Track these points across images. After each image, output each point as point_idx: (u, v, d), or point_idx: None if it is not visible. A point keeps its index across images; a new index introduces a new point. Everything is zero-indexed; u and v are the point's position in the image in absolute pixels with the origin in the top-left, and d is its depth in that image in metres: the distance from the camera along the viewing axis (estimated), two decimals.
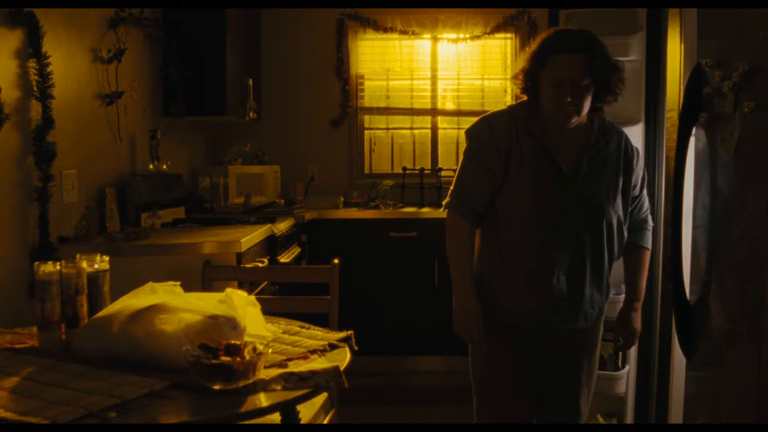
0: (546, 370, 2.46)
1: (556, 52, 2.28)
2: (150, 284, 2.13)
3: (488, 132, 2.39)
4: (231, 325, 1.88)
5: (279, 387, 1.69)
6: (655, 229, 3.34)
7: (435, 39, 5.36)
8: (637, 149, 2.48)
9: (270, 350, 1.82)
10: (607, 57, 2.29)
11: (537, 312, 2.37)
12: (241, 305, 2.01)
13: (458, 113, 5.43)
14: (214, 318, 1.88)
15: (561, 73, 2.25)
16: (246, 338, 1.88)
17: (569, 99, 2.25)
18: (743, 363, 1.65)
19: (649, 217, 2.56)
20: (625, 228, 2.42)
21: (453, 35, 5.31)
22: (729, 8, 1.78)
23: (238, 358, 1.67)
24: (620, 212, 2.39)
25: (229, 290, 2.06)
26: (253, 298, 2.14)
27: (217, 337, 1.78)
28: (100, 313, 1.99)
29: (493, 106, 5.38)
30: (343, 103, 5.36)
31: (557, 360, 2.46)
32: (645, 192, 2.52)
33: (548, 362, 2.46)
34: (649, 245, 2.54)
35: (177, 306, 1.91)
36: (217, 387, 1.65)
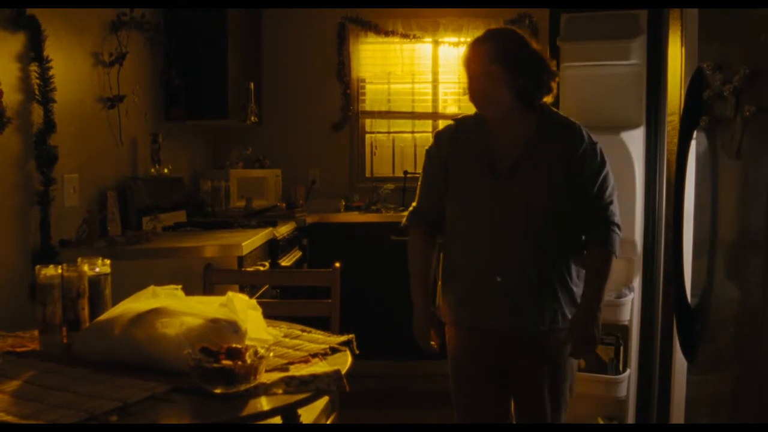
0: (509, 371, 2.46)
1: (468, 46, 2.41)
2: (151, 288, 2.13)
3: (435, 144, 2.52)
4: (232, 328, 1.88)
5: (280, 391, 1.69)
6: (655, 233, 3.35)
7: (436, 43, 5.36)
8: (594, 148, 2.40)
9: (271, 354, 1.82)
10: (518, 46, 2.34)
11: (480, 314, 2.41)
12: (243, 309, 2.01)
13: None
14: (215, 321, 1.88)
15: (467, 62, 2.37)
16: (247, 342, 1.88)
17: (475, 87, 2.36)
18: (745, 367, 1.65)
19: (613, 219, 2.39)
20: (576, 228, 2.39)
21: (454, 39, 5.32)
22: (730, 8, 1.78)
23: (240, 362, 1.67)
24: (568, 212, 2.36)
25: (230, 294, 2.06)
26: (254, 301, 2.14)
27: (219, 341, 1.77)
28: (102, 317, 1.99)
29: None
30: (345, 106, 5.36)
31: (517, 363, 2.44)
32: (609, 193, 2.40)
33: (511, 365, 2.45)
34: (610, 247, 2.37)
35: (178, 309, 1.91)
36: (218, 391, 1.65)
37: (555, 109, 2.48)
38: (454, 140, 2.47)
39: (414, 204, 2.57)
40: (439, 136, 2.53)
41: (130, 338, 1.84)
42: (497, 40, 2.35)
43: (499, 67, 2.31)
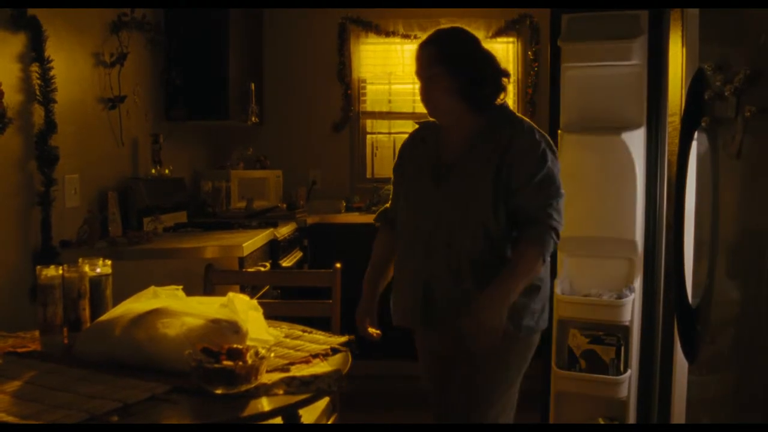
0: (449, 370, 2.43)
1: (418, 47, 2.36)
2: (152, 288, 2.13)
3: (400, 148, 2.56)
4: (233, 329, 1.88)
5: (281, 391, 1.69)
6: (656, 233, 3.35)
7: None
8: (537, 147, 2.27)
9: (272, 354, 1.82)
10: (461, 46, 2.31)
11: (410, 312, 2.41)
12: (243, 309, 2.01)
13: None
14: (216, 322, 1.88)
15: (415, 65, 2.35)
16: (248, 342, 1.88)
17: (421, 92, 2.34)
18: (746, 367, 1.65)
19: (550, 222, 2.24)
20: (507, 227, 2.27)
21: None
22: (731, 8, 1.78)
23: (240, 363, 1.67)
24: (499, 211, 2.25)
25: (231, 294, 2.07)
26: (255, 302, 2.14)
27: (220, 341, 1.78)
28: (103, 317, 1.99)
29: None
30: (345, 107, 5.36)
31: (456, 363, 2.38)
32: (548, 196, 2.25)
33: (450, 364, 2.42)
34: (539, 246, 2.23)
35: (179, 310, 1.91)
36: (219, 391, 1.65)
37: (511, 110, 2.39)
38: (411, 145, 2.50)
39: (387, 204, 2.62)
40: (405, 140, 2.57)
41: (131, 339, 1.84)
42: (440, 42, 2.32)
43: (441, 70, 2.28)
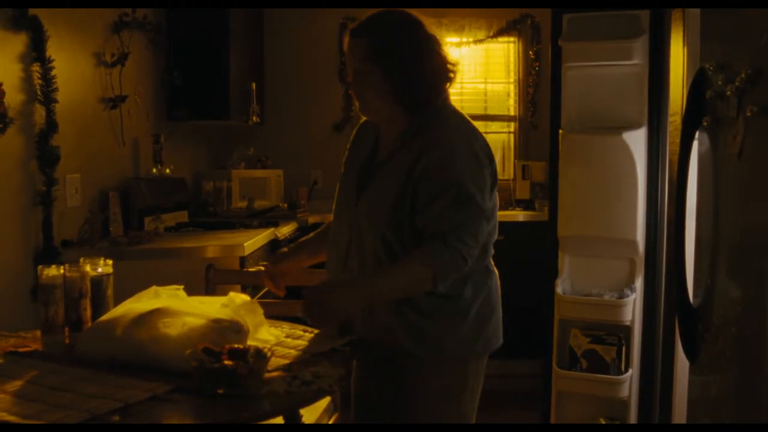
0: None
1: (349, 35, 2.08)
2: (153, 288, 2.13)
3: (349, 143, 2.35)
4: (234, 328, 1.88)
5: (282, 391, 1.69)
6: (657, 233, 3.35)
7: None
8: (450, 158, 1.98)
9: (273, 354, 1.82)
10: (398, 39, 2.01)
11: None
12: (245, 309, 2.02)
13: None
14: (217, 322, 1.88)
15: (347, 57, 2.10)
16: (249, 342, 1.88)
17: (351, 84, 2.08)
18: (747, 367, 1.65)
19: (455, 239, 1.93)
20: (410, 240, 2.02)
21: (456, 39, 5.31)
22: (732, 8, 1.78)
23: (242, 363, 1.67)
24: (402, 231, 2.02)
25: (232, 294, 2.06)
26: (256, 302, 2.14)
27: (221, 341, 1.78)
28: (104, 317, 1.99)
29: (497, 109, 5.39)
30: (346, 107, 5.36)
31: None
32: (455, 211, 1.96)
33: None
34: (429, 261, 1.93)
35: (180, 310, 1.91)
36: (220, 391, 1.65)
37: (446, 110, 2.10)
38: (353, 142, 2.26)
39: None
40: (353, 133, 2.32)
41: (133, 339, 1.84)
42: (373, 33, 2.02)
43: (372, 68, 2.01)
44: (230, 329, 1.87)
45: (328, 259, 2.23)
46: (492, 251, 2.16)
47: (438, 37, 2.08)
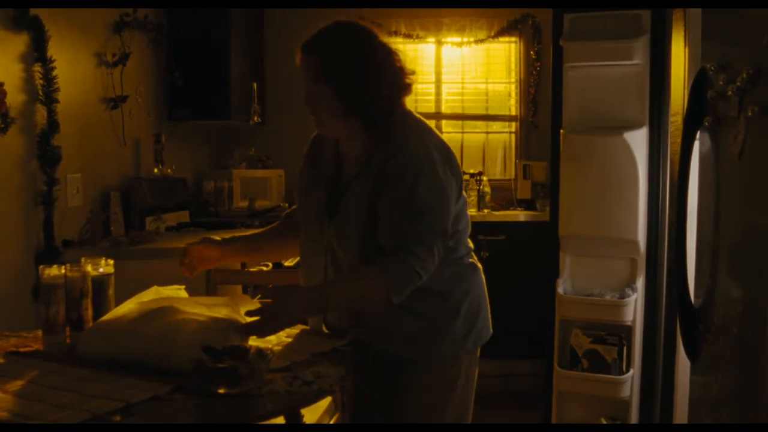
0: None
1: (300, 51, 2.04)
2: (155, 288, 2.14)
3: (303, 159, 2.31)
4: (235, 327, 1.88)
5: (283, 391, 1.69)
6: (659, 233, 3.35)
7: (439, 43, 5.36)
8: (407, 171, 1.94)
9: (274, 354, 1.82)
10: (350, 56, 1.96)
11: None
12: (245, 309, 2.02)
13: (462, 117, 5.43)
14: (218, 321, 1.88)
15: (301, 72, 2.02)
16: (250, 342, 1.88)
17: (305, 100, 2.03)
18: (748, 367, 1.65)
19: (409, 254, 1.91)
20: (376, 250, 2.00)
21: (457, 39, 5.31)
22: (733, 8, 1.78)
23: (242, 363, 1.67)
24: (375, 241, 1.99)
25: (233, 294, 2.06)
26: (256, 302, 2.14)
27: (222, 340, 1.78)
28: (105, 317, 1.99)
29: (498, 109, 5.39)
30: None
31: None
32: (413, 225, 1.93)
33: None
34: (384, 277, 1.91)
35: (182, 309, 1.91)
36: (221, 391, 1.65)
37: (405, 120, 2.05)
38: (310, 157, 2.22)
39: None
40: (306, 149, 2.28)
41: (134, 338, 1.84)
42: (326, 52, 1.98)
43: (326, 88, 1.97)
44: (231, 328, 1.87)
45: (304, 282, 2.19)
46: (472, 245, 2.19)
47: (391, 47, 2.04)
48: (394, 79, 2.01)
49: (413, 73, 2.06)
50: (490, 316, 2.24)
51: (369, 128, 2.02)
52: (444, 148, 2.05)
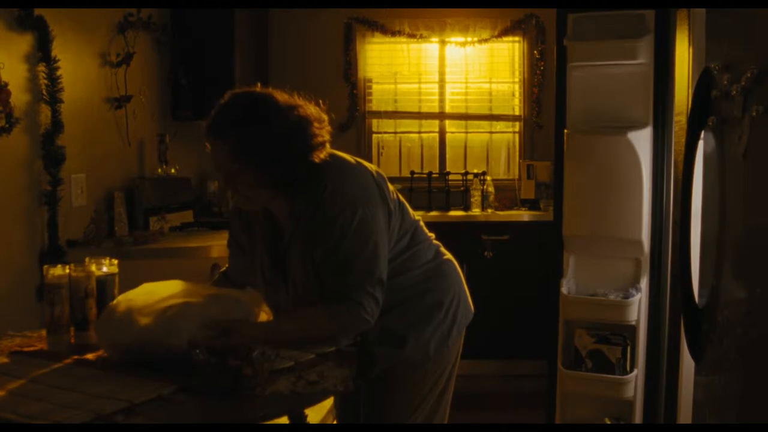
0: None
1: (206, 134, 1.99)
2: (145, 285, 2.12)
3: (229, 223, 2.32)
4: (233, 298, 1.93)
5: (287, 391, 1.69)
6: (663, 233, 3.35)
7: (443, 42, 5.36)
8: (331, 220, 1.96)
9: (278, 355, 1.82)
10: (261, 131, 1.94)
11: None
12: (246, 297, 2.02)
13: (466, 117, 5.43)
14: (215, 297, 1.90)
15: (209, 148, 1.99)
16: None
17: (223, 180, 2.01)
18: (752, 367, 1.65)
19: (356, 305, 1.93)
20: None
21: (461, 39, 5.31)
22: (737, 8, 1.78)
23: (247, 363, 1.67)
24: (316, 281, 2.03)
25: (240, 291, 2.07)
26: (261, 300, 2.14)
27: (222, 314, 1.82)
28: (111, 306, 1.98)
29: (501, 109, 5.39)
30: (351, 107, 5.36)
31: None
32: (339, 275, 1.95)
33: None
34: (331, 317, 1.95)
35: (178, 292, 1.92)
36: (225, 391, 1.65)
37: (321, 169, 2.02)
38: (241, 220, 2.21)
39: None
40: (231, 216, 2.28)
41: (144, 331, 1.83)
42: (239, 130, 1.94)
43: (240, 166, 1.94)
44: (229, 299, 1.89)
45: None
46: (435, 240, 2.25)
47: (294, 102, 2.03)
48: (306, 139, 1.99)
49: (324, 121, 2.07)
50: (469, 297, 2.30)
51: (289, 189, 2.01)
52: (364, 179, 2.06)
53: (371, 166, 2.14)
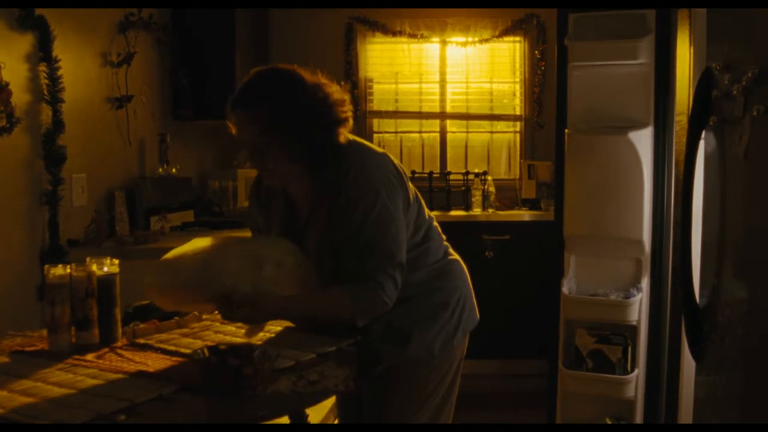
0: None
1: (231, 104, 2.01)
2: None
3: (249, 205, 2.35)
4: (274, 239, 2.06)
5: (288, 391, 1.69)
6: (664, 233, 3.34)
7: (444, 42, 5.36)
8: (353, 203, 1.98)
9: (278, 354, 1.82)
10: (290, 102, 1.96)
11: None
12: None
13: (467, 117, 5.43)
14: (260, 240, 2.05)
15: (234, 125, 2.02)
16: (254, 340, 1.88)
17: (250, 158, 2.03)
18: (753, 367, 1.65)
19: (377, 285, 1.95)
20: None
21: (462, 38, 5.31)
22: (738, 8, 1.78)
23: (247, 362, 1.67)
24: (332, 262, 2.06)
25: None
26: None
27: (258, 248, 1.96)
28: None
29: (502, 109, 5.39)
30: (353, 107, 5.35)
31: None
32: (361, 258, 1.98)
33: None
34: (353, 298, 1.97)
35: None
36: (226, 391, 1.65)
37: (345, 151, 2.06)
38: (258, 201, 2.25)
39: None
40: (251, 195, 2.31)
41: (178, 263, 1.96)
42: (268, 101, 1.96)
43: (268, 139, 1.96)
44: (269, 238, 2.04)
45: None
46: (443, 237, 2.27)
47: (322, 83, 2.05)
48: (332, 116, 2.02)
49: (347, 101, 2.09)
50: (475, 303, 2.30)
51: (313, 168, 2.04)
52: (385, 166, 2.08)
53: (392, 157, 2.17)
